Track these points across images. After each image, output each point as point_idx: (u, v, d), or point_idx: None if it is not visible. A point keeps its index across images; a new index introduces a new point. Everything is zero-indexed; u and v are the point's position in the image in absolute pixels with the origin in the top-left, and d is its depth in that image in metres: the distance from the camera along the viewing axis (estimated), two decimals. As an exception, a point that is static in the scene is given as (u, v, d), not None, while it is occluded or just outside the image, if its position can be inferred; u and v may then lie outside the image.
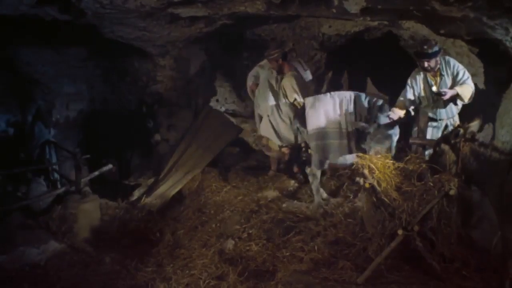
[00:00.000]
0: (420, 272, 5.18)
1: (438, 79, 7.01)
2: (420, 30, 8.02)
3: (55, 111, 11.99)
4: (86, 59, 11.14)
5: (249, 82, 9.12)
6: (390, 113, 7.01)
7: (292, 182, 8.60)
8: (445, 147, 5.01)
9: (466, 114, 6.87)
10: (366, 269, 5.17)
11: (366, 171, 5.85)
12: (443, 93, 6.66)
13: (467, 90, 6.70)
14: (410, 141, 6.98)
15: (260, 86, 8.82)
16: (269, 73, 8.67)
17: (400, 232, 5.15)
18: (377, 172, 5.79)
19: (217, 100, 11.54)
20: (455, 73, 6.86)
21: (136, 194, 9.49)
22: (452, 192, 5.03)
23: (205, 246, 6.85)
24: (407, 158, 6.09)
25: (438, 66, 6.91)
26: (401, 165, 5.96)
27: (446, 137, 5.15)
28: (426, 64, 6.79)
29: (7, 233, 7.40)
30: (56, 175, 10.55)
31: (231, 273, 5.89)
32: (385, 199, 5.47)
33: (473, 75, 7.53)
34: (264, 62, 8.89)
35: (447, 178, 5.11)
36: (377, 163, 5.85)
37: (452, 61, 6.94)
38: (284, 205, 7.69)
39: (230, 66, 11.44)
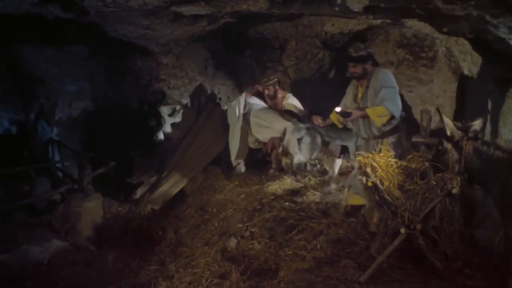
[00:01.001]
0: (423, 271, 5.17)
1: (363, 90, 6.53)
2: (423, 29, 8.01)
3: (58, 110, 12.04)
4: (88, 57, 11.17)
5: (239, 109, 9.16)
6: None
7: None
8: (448, 145, 4.99)
9: (469, 113, 6.85)
10: (369, 267, 5.16)
11: (368, 170, 5.84)
12: (348, 114, 6.18)
13: (380, 113, 6.12)
14: (413, 139, 6.96)
15: (261, 114, 8.92)
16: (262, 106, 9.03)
17: (402, 230, 5.14)
18: (379, 170, 5.78)
19: (219, 99, 11.54)
20: (377, 89, 6.27)
21: (139, 192, 9.50)
22: (454, 191, 5.02)
23: (208, 244, 6.85)
24: (410, 156, 6.08)
25: (368, 76, 6.47)
26: (403, 163, 5.95)
27: (447, 136, 5.14)
28: (351, 69, 6.44)
29: (10, 231, 7.43)
30: (59, 174, 10.57)
31: (234, 271, 5.89)
32: (388, 197, 5.46)
33: (476, 74, 7.51)
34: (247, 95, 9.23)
35: (450, 176, 5.10)
36: (380, 162, 5.84)
37: (382, 75, 6.37)
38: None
39: (232, 64, 11.44)
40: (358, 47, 6.35)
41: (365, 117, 6.16)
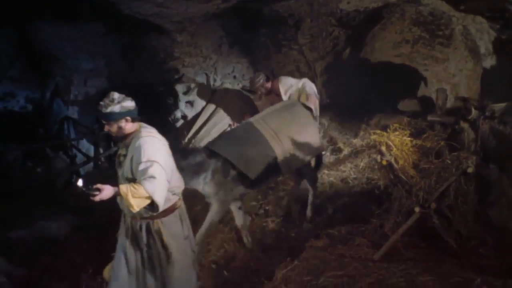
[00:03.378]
0: (437, 250, 5.17)
1: (122, 158, 4.74)
2: (440, 6, 7.93)
3: (73, 88, 12.08)
4: (103, 35, 11.17)
5: None
6: None
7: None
8: (464, 125, 4.97)
9: (488, 91, 6.78)
10: (383, 246, 5.18)
11: (383, 148, 5.83)
12: (94, 192, 4.33)
13: (136, 194, 4.36)
14: (429, 118, 6.92)
15: None
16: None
17: (417, 209, 5.13)
18: (394, 149, 5.77)
19: (234, 77, 11.53)
20: (134, 162, 4.52)
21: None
22: (470, 170, 4.99)
23: (222, 222, 6.88)
24: (425, 135, 6.05)
25: (129, 139, 4.71)
26: (419, 142, 5.93)
27: (463, 115, 5.11)
28: (106, 127, 4.66)
29: (27, 208, 7.51)
30: (75, 151, 10.65)
31: (248, 248, 5.94)
32: (402, 176, 5.45)
33: (493, 52, 7.45)
34: None
35: (465, 155, 5.08)
36: (395, 140, 5.82)
37: (140, 144, 4.51)
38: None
39: (247, 42, 11.40)
40: (110, 100, 4.63)
41: (119, 195, 4.46)
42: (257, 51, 11.48)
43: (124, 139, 4.69)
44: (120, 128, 4.61)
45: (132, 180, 4.53)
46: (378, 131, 6.46)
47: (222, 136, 6.72)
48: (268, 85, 8.04)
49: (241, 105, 9.78)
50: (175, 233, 4.82)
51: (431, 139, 5.92)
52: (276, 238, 6.25)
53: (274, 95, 8.29)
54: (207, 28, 10.81)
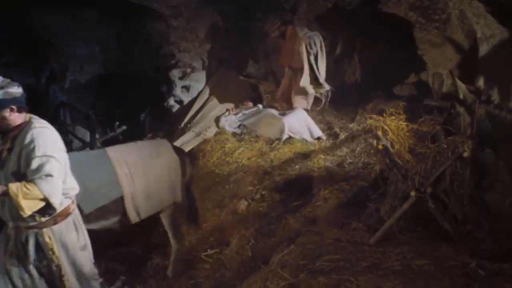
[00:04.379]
0: (432, 234, 5.19)
1: (6, 151, 4.07)
2: (436, -10, 7.87)
3: (69, 74, 12.05)
4: (99, 21, 11.15)
5: None
6: None
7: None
8: (460, 109, 4.97)
9: (484, 76, 6.76)
10: (379, 230, 5.19)
11: (379, 133, 5.83)
12: None
13: (28, 194, 3.77)
14: (425, 102, 6.92)
15: None
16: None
17: (412, 193, 5.15)
18: (390, 133, 5.77)
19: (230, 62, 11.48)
20: (24, 156, 3.93)
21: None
22: (466, 154, 5.00)
23: (218, 206, 6.89)
24: (421, 119, 6.06)
25: (17, 130, 4.16)
26: (415, 126, 5.94)
27: (460, 99, 5.10)
28: None
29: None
30: (71, 137, 10.63)
31: (244, 233, 5.95)
32: (398, 160, 5.46)
33: (489, 37, 7.42)
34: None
35: (461, 140, 5.09)
36: (391, 125, 5.82)
37: (33, 132, 4.01)
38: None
39: (243, 27, 11.35)
40: None
41: (7, 195, 3.82)
42: (254, 35, 11.43)
43: (9, 132, 4.10)
44: (4, 118, 4.03)
45: (18, 178, 3.92)
46: (374, 116, 6.46)
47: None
48: (284, 28, 8.33)
49: (239, 90, 9.75)
50: (68, 243, 4.23)
51: (427, 123, 5.92)
52: (272, 223, 6.25)
53: (286, 41, 8.51)
54: (203, 13, 10.76)
